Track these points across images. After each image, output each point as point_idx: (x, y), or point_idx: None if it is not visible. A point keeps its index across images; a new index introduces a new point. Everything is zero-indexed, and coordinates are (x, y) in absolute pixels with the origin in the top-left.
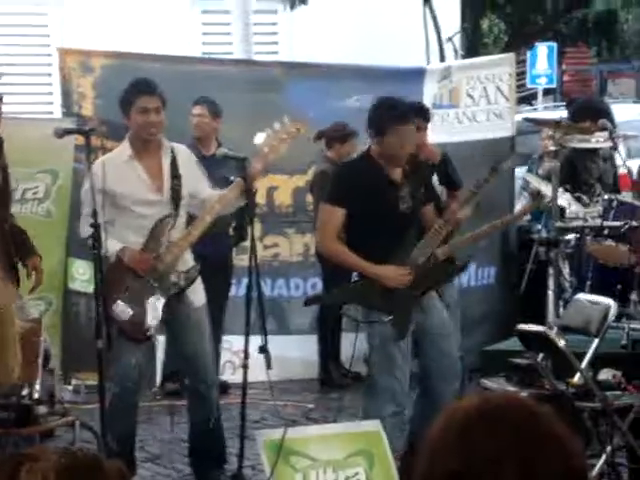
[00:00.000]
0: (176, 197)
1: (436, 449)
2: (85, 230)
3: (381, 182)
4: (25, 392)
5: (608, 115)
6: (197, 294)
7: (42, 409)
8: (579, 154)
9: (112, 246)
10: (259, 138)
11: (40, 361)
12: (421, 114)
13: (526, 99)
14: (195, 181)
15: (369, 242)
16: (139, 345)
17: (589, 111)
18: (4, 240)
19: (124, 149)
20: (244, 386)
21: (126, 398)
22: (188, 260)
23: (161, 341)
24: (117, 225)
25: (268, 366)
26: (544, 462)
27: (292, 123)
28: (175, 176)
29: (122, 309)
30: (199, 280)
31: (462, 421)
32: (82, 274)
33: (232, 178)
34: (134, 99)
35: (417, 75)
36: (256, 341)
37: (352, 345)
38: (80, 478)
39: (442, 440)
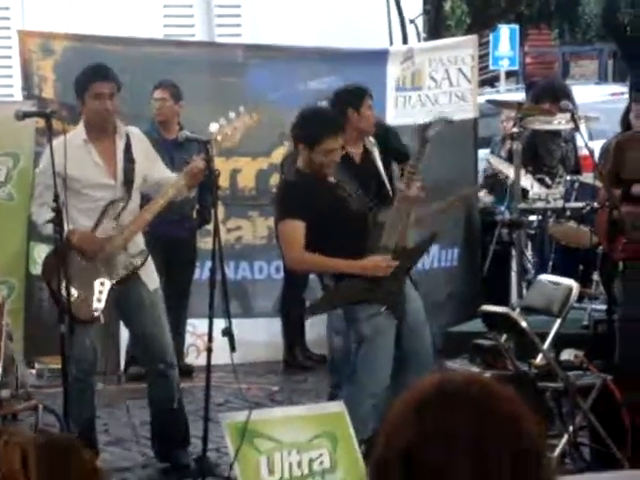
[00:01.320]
0: (129, 181)
1: (393, 424)
2: (41, 214)
3: (322, 189)
4: None
5: (568, 96)
6: (150, 277)
7: (5, 393)
8: (541, 136)
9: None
10: (213, 127)
11: (2, 345)
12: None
13: (488, 81)
14: (149, 164)
15: (331, 247)
16: (89, 327)
17: (550, 92)
18: None
19: (79, 132)
20: (208, 369)
21: (83, 379)
22: (139, 244)
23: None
24: (68, 208)
25: (232, 349)
26: (497, 441)
27: (247, 112)
28: (129, 159)
29: (68, 291)
30: (151, 264)
31: (419, 397)
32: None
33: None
34: (89, 85)
35: (380, 57)
36: (220, 324)
37: (314, 328)
38: (58, 455)
39: (399, 416)
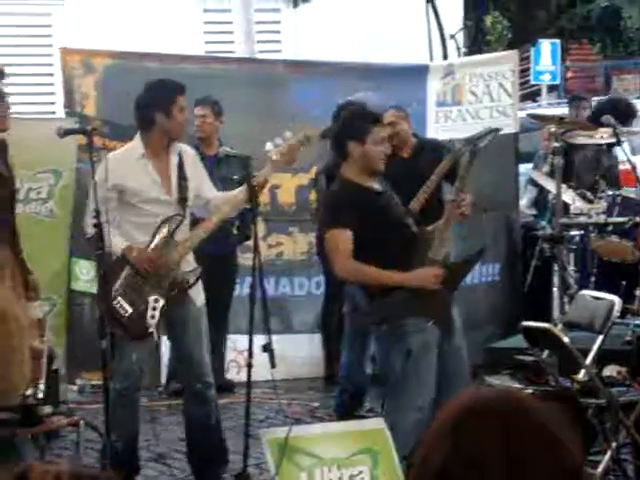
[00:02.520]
0: (183, 198)
1: (429, 443)
2: (90, 228)
3: (372, 199)
4: (29, 392)
5: (634, 116)
6: (198, 294)
7: (46, 409)
8: (581, 150)
9: (117, 243)
10: (269, 145)
11: (44, 361)
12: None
13: (530, 96)
14: (200, 182)
15: (378, 259)
16: (139, 343)
17: (614, 111)
18: (17, 253)
19: (135, 147)
20: (248, 385)
21: (127, 396)
22: (191, 261)
23: (166, 340)
24: (123, 222)
25: (272, 365)
26: (533, 461)
27: (303, 132)
28: (182, 177)
29: (122, 306)
30: (199, 281)
31: (453, 416)
32: (86, 274)
33: (235, 177)
34: (175, 97)
35: (420, 72)
36: (261, 340)
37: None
38: None
39: (434, 435)
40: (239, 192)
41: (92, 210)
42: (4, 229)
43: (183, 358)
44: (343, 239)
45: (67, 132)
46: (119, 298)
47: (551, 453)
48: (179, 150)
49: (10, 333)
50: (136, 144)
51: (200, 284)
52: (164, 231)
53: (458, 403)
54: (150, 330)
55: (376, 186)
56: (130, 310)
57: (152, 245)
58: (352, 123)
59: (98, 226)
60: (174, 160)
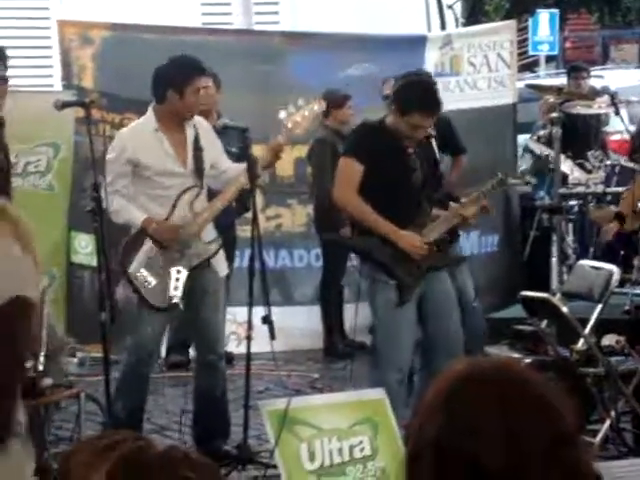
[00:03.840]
0: (199, 169)
1: (423, 414)
2: (112, 202)
3: (395, 150)
4: (29, 364)
5: None
6: (221, 264)
7: (47, 381)
8: (579, 120)
9: (136, 216)
10: (282, 114)
11: (44, 333)
12: None
13: (528, 66)
14: (216, 153)
15: (377, 205)
16: (158, 315)
17: None
18: None
19: (149, 121)
20: (248, 357)
21: (141, 368)
22: (211, 231)
23: None
24: (138, 195)
25: (272, 336)
26: (529, 432)
27: (314, 101)
28: (198, 148)
29: (145, 278)
30: (222, 251)
31: (447, 385)
32: (85, 247)
33: (234, 149)
34: (191, 79)
35: (418, 43)
36: (260, 312)
37: (355, 315)
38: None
39: (428, 405)
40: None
41: (110, 185)
42: None
43: (199, 327)
44: (353, 169)
45: (65, 105)
46: (142, 270)
47: (548, 424)
48: (194, 122)
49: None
50: (149, 117)
51: (222, 254)
52: (183, 202)
53: (453, 372)
54: (174, 301)
55: (409, 146)
56: (154, 282)
57: (171, 216)
58: (404, 95)
59: (97, 200)
60: (190, 132)
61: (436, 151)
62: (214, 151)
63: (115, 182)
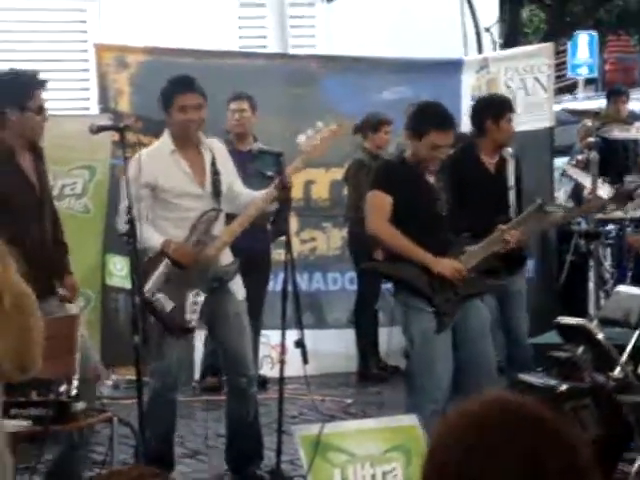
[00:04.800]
0: (217, 191)
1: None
2: (123, 225)
3: (417, 182)
4: (63, 389)
5: None
6: (238, 287)
7: (80, 405)
8: (617, 144)
9: (154, 239)
10: (301, 138)
11: (78, 357)
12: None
13: (567, 89)
14: (231, 176)
15: (410, 239)
16: (179, 340)
17: None
18: (42, 252)
19: (165, 143)
20: (281, 381)
21: (166, 393)
22: (229, 255)
23: (199, 335)
24: (157, 219)
25: (305, 361)
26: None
27: (335, 123)
28: (215, 171)
29: (163, 302)
30: (239, 274)
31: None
32: (120, 270)
33: (269, 173)
34: (173, 97)
35: (454, 67)
36: (294, 336)
37: (388, 339)
38: None
39: (448, 430)
40: (270, 190)
41: (124, 206)
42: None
43: (227, 353)
44: (383, 200)
45: (100, 129)
46: (159, 294)
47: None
48: (210, 144)
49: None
50: (166, 139)
51: (239, 278)
52: (202, 225)
53: (475, 404)
54: (192, 325)
55: (427, 176)
56: (171, 305)
57: (189, 239)
58: (417, 118)
59: (131, 222)
60: (207, 154)
61: (510, 176)
62: (229, 175)
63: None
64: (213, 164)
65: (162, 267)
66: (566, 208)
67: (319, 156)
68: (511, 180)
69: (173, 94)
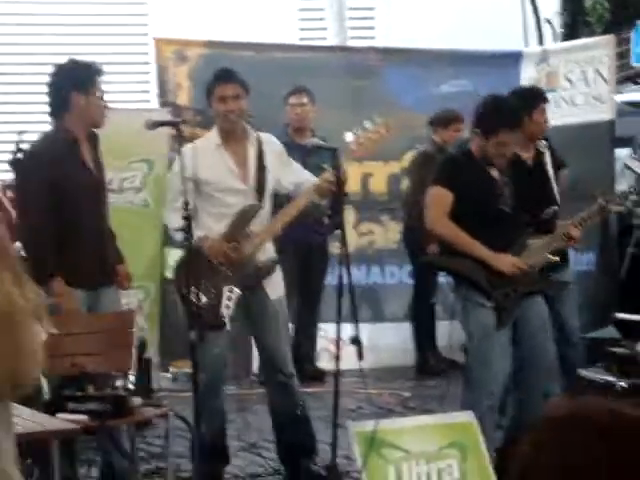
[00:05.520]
0: (261, 187)
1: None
2: (173, 219)
3: (482, 178)
4: (119, 383)
5: None
6: (274, 286)
7: (136, 400)
8: None
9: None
10: (348, 136)
11: (134, 352)
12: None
13: (631, 78)
14: (283, 168)
15: (471, 236)
16: (218, 334)
17: None
18: (102, 240)
19: (212, 137)
20: (336, 376)
21: (212, 387)
22: (269, 251)
23: None
24: (199, 212)
25: (360, 357)
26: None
27: (382, 122)
28: (260, 166)
29: (197, 296)
30: (278, 272)
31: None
32: None
33: (325, 165)
34: (213, 88)
35: (514, 59)
36: (351, 330)
37: (446, 333)
38: None
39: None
40: (313, 187)
41: (172, 200)
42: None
43: (263, 350)
44: (444, 196)
45: (155, 124)
46: (194, 288)
47: None
48: (257, 139)
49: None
50: (213, 133)
51: (278, 276)
52: (241, 221)
53: (557, 412)
54: (224, 320)
55: (493, 172)
56: (205, 300)
57: (227, 235)
58: (486, 116)
59: (187, 218)
60: (252, 149)
61: (549, 169)
62: (280, 168)
63: (177, 198)
64: (260, 160)
65: (199, 262)
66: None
67: (365, 155)
68: (550, 172)
69: (213, 85)
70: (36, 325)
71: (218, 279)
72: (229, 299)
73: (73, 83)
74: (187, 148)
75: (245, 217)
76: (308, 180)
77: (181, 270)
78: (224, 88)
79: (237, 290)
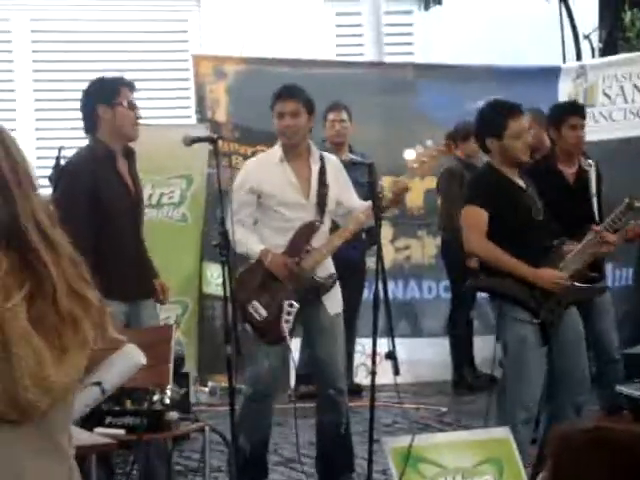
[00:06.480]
0: (322, 203)
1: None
2: (237, 231)
3: (511, 191)
4: (156, 398)
5: None
6: (333, 301)
7: (173, 415)
8: None
9: (255, 246)
10: (409, 154)
11: (171, 367)
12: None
13: None
14: (342, 191)
15: (509, 251)
16: (273, 348)
17: None
18: (140, 253)
19: (276, 151)
20: (372, 391)
21: (259, 401)
22: (328, 267)
23: (295, 343)
24: (260, 225)
25: (396, 372)
26: None
27: (442, 141)
28: (322, 183)
29: (257, 310)
30: (337, 288)
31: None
32: (216, 278)
33: (361, 181)
34: (274, 104)
35: (551, 74)
36: (388, 344)
37: (484, 348)
38: None
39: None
40: (370, 205)
41: (235, 214)
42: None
43: (317, 363)
44: (479, 216)
45: (192, 140)
46: (254, 302)
47: None
48: (321, 156)
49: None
50: (276, 149)
51: (337, 292)
52: (302, 236)
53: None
54: (284, 335)
55: (518, 181)
56: (265, 314)
57: (288, 250)
58: (489, 119)
59: (223, 234)
60: (315, 166)
61: (591, 187)
62: (340, 188)
63: (239, 211)
64: (322, 176)
65: (260, 276)
66: None
67: (424, 173)
68: (592, 190)
69: (274, 101)
70: (39, 345)
71: (278, 293)
72: (289, 314)
73: (98, 96)
74: (250, 162)
75: (306, 232)
76: (362, 205)
77: (241, 284)
78: (282, 105)
79: (297, 305)
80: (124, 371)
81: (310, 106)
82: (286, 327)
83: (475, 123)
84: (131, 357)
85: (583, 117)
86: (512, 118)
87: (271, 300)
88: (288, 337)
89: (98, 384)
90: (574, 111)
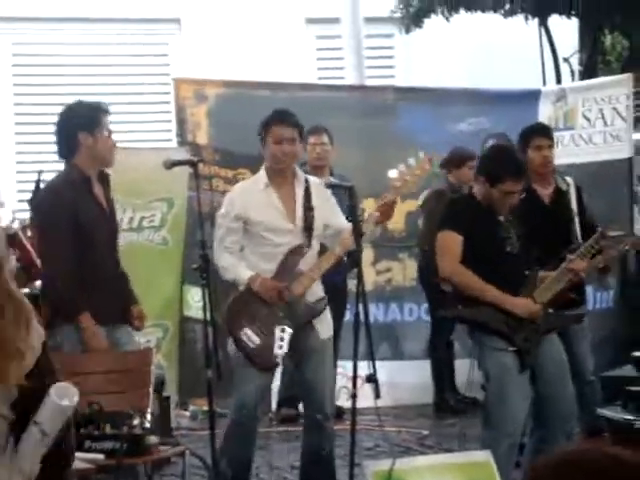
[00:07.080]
0: (309, 227)
1: None
2: (221, 258)
3: (487, 221)
4: (136, 422)
5: None
6: (324, 325)
7: (153, 439)
8: None
9: (243, 273)
10: (392, 173)
11: (151, 390)
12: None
13: None
14: (328, 213)
15: (482, 277)
16: (261, 373)
17: None
18: (117, 278)
19: (260, 177)
20: (353, 414)
21: (243, 426)
22: (317, 291)
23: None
24: (247, 252)
25: (377, 395)
26: None
27: (424, 160)
28: (308, 207)
29: (249, 337)
30: (327, 312)
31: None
32: (197, 301)
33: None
34: (269, 128)
35: (532, 97)
36: (368, 367)
37: (465, 371)
38: None
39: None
40: (364, 223)
41: (220, 241)
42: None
43: (305, 387)
44: (454, 241)
45: (173, 164)
46: (246, 329)
47: None
48: (306, 180)
49: None
50: (261, 174)
51: (328, 316)
52: (289, 261)
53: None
54: (277, 360)
55: (500, 217)
56: (258, 341)
57: (277, 275)
58: (491, 167)
59: (204, 257)
60: (300, 189)
61: (572, 207)
62: (326, 211)
63: (225, 238)
64: (307, 199)
65: (250, 302)
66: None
67: (408, 192)
68: (572, 211)
69: (270, 125)
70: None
71: (269, 319)
72: (281, 339)
73: (79, 123)
74: (235, 188)
75: (294, 257)
76: (350, 226)
77: (232, 311)
78: (282, 130)
79: (289, 329)
80: (56, 416)
81: (302, 132)
82: (280, 353)
83: (480, 159)
84: (54, 400)
85: (549, 138)
86: (513, 180)
87: (262, 326)
88: (281, 363)
89: (36, 424)
90: (539, 132)
